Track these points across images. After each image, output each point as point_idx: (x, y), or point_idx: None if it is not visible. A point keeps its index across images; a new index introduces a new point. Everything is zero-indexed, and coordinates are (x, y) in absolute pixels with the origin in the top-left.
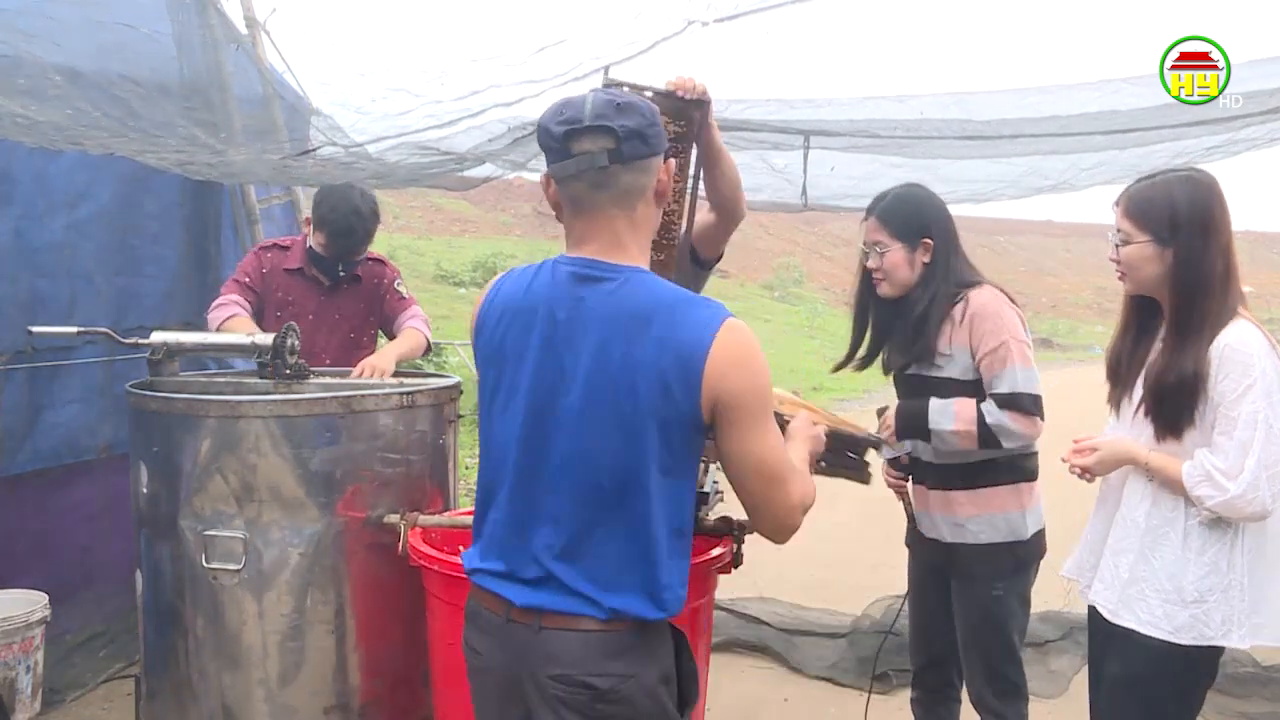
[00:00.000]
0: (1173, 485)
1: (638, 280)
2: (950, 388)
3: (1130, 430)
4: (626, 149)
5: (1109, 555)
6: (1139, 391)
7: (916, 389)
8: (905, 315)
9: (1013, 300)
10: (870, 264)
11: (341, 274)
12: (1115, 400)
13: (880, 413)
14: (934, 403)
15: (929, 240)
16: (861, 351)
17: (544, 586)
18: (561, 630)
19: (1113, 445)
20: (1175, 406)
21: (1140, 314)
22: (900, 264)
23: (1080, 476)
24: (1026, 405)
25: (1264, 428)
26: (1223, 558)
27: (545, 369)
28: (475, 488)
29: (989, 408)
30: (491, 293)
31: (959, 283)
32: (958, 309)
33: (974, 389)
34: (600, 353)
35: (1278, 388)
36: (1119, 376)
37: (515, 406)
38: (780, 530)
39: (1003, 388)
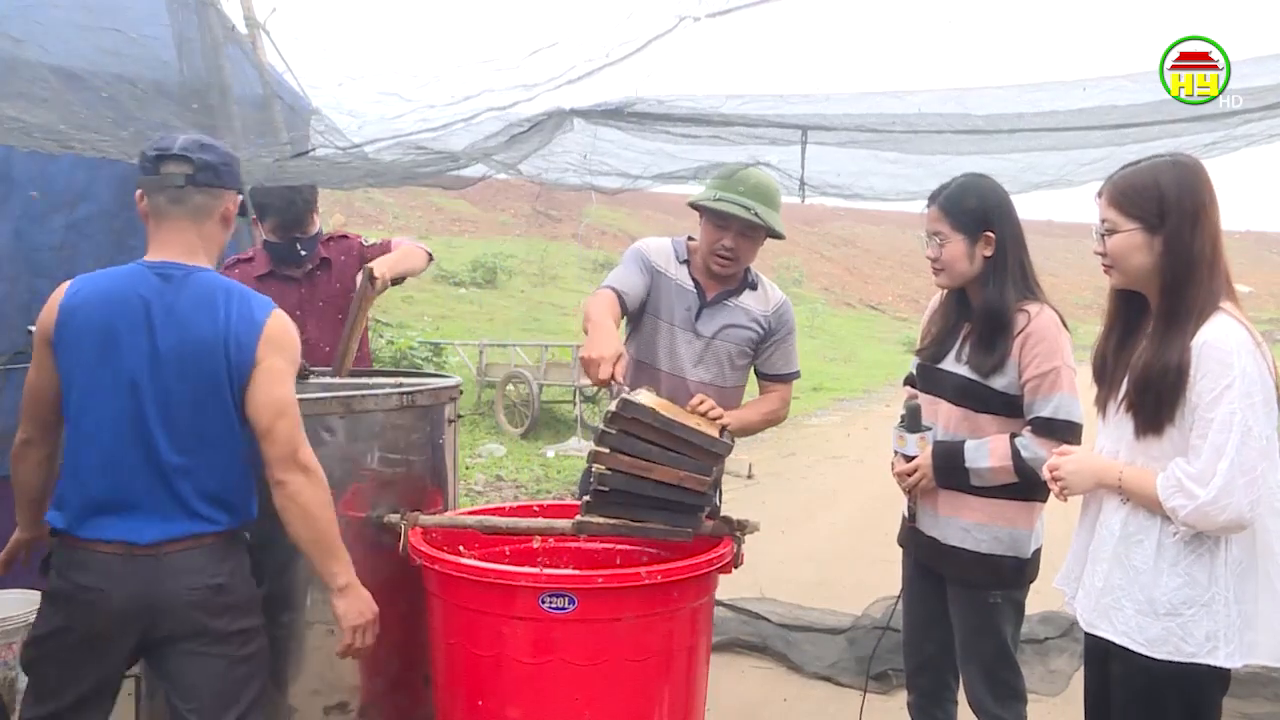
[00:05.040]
0: (1148, 503)
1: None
2: (979, 392)
3: (1113, 429)
4: (200, 176)
5: (1090, 563)
6: (1125, 389)
7: (941, 384)
8: (975, 313)
9: (1065, 325)
10: (929, 253)
11: (303, 253)
12: (1101, 401)
13: (908, 409)
14: (969, 443)
15: (990, 233)
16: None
17: None
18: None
19: (1086, 462)
20: (1158, 398)
21: (1126, 311)
22: (960, 256)
23: (1058, 495)
24: (1063, 432)
25: (1240, 431)
26: (1201, 570)
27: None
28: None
29: (1024, 441)
30: (75, 293)
31: (1022, 292)
32: (1017, 321)
33: (993, 400)
34: (181, 341)
35: (1259, 388)
36: (1105, 376)
37: None
38: None
39: (1045, 411)
